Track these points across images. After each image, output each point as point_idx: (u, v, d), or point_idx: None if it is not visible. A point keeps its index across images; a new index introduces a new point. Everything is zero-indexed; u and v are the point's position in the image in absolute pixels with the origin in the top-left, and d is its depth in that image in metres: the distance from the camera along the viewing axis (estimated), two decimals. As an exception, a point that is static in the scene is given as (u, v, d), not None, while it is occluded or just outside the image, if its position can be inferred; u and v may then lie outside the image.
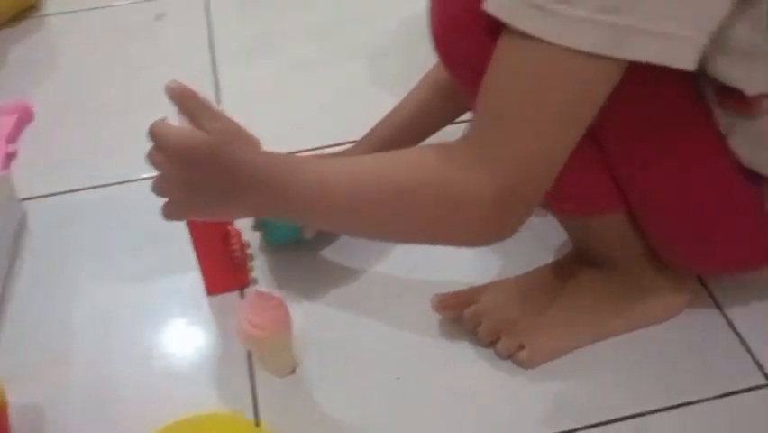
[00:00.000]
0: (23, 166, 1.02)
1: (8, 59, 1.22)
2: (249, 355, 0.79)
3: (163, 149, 0.62)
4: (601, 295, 0.79)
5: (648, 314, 0.80)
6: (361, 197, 0.62)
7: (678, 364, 0.77)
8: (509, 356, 0.78)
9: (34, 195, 0.98)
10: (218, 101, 1.09)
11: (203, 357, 0.81)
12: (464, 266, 0.86)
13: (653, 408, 0.74)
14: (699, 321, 0.81)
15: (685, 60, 0.54)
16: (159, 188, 0.64)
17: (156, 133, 0.62)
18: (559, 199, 0.73)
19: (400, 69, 1.06)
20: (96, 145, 1.06)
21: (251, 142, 0.64)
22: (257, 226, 0.89)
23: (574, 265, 0.82)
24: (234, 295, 0.85)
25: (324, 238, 0.90)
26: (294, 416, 0.75)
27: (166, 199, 0.63)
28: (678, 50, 0.53)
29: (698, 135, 0.66)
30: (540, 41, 0.53)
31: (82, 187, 1.00)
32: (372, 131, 0.91)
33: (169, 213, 0.65)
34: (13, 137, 1.06)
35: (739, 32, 0.57)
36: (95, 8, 1.33)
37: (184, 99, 0.62)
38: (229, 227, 0.84)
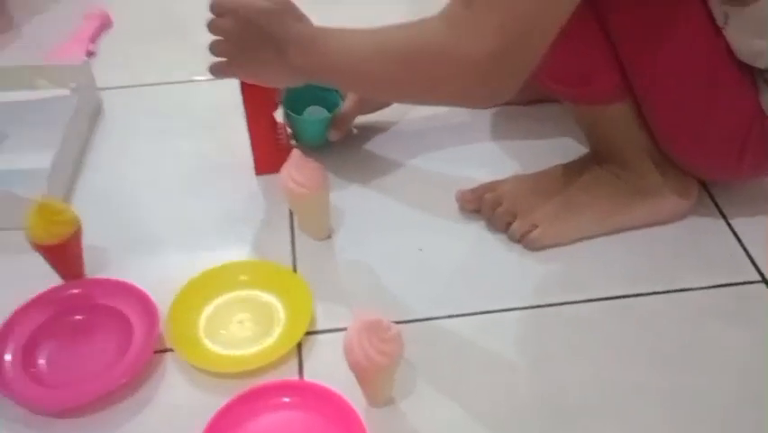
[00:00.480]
0: (101, 62, 1.14)
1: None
2: (291, 220, 0.90)
3: (231, 10, 0.76)
4: (610, 191, 0.87)
5: (652, 213, 0.88)
6: (377, 60, 0.74)
7: (677, 258, 0.86)
8: (521, 237, 0.86)
9: (109, 86, 1.10)
10: None
11: (250, 222, 0.91)
12: (487, 166, 0.95)
13: (646, 291, 0.82)
14: (702, 224, 0.89)
15: None
16: (217, 46, 0.79)
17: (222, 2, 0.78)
18: (567, 84, 0.83)
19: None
20: (165, 51, 1.18)
21: (301, 15, 0.79)
22: (288, 123, 0.98)
23: (588, 164, 0.90)
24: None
25: (349, 139, 0.99)
26: (326, 272, 0.85)
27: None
28: None
29: (694, 24, 0.74)
30: None
31: (150, 83, 1.12)
32: None
33: (220, 70, 0.81)
34: (94, 38, 1.19)
35: None
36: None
37: None
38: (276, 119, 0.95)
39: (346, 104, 0.98)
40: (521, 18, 0.66)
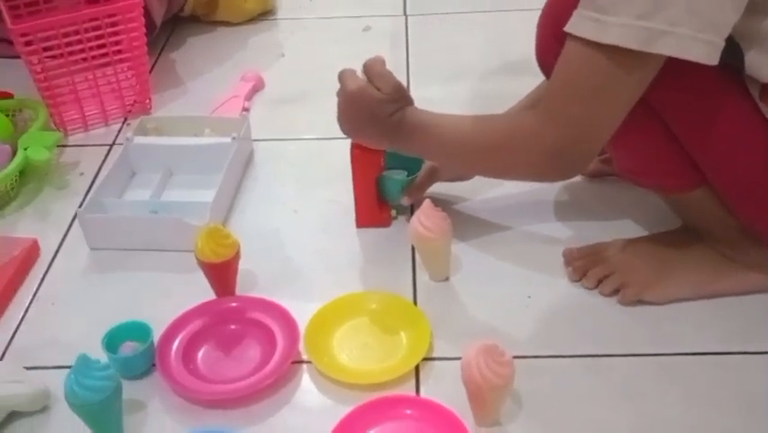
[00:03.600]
0: (255, 117, 1.30)
1: (248, 44, 1.55)
2: (413, 261, 1.01)
3: (349, 92, 0.95)
4: (705, 260, 0.95)
5: (742, 285, 0.94)
6: (465, 147, 0.92)
7: (763, 322, 0.91)
8: (617, 291, 0.94)
9: (260, 138, 1.26)
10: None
11: (380, 260, 1.03)
12: (588, 229, 1.05)
13: (738, 350, 0.88)
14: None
15: (702, 55, 0.72)
16: (338, 111, 0.98)
17: (341, 77, 0.97)
18: (646, 178, 0.95)
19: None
20: (306, 111, 1.34)
21: (408, 100, 0.96)
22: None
23: (683, 234, 0.98)
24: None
25: (479, 209, 1.10)
26: (443, 308, 0.95)
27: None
28: (696, 48, 0.72)
29: (747, 119, 0.82)
30: (594, 42, 0.75)
31: (294, 138, 1.28)
32: None
33: (340, 127, 1.00)
34: (249, 96, 1.36)
35: None
36: (317, 17, 1.64)
37: (374, 64, 0.95)
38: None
39: (421, 173, 1.07)
40: (584, 114, 0.80)
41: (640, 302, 0.94)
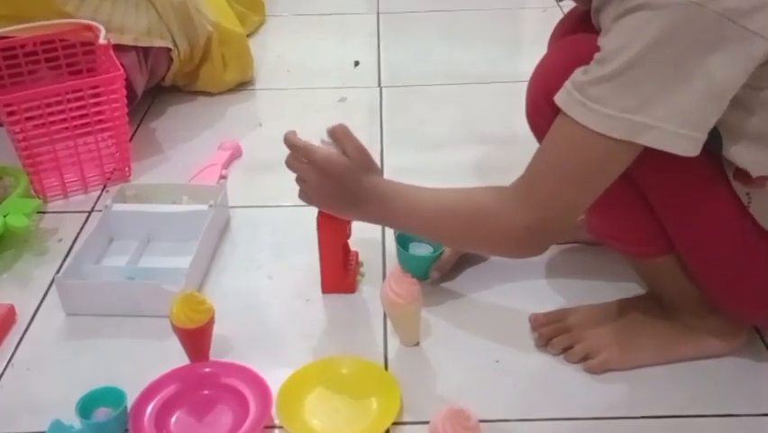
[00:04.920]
0: (232, 184, 1.34)
1: (227, 114, 1.60)
2: (384, 326, 1.04)
3: (312, 162, 0.95)
4: (665, 327, 0.98)
5: (702, 351, 0.97)
6: (435, 220, 0.94)
7: (723, 385, 0.95)
8: (582, 360, 0.97)
9: (237, 205, 1.30)
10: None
11: (352, 325, 1.05)
12: (557, 293, 1.09)
13: (702, 413, 0.91)
14: (751, 360, 0.98)
15: (684, 149, 0.76)
16: (300, 183, 0.99)
17: (305, 150, 0.96)
18: (615, 241, 0.98)
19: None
20: (282, 179, 1.35)
21: (375, 170, 0.97)
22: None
23: (648, 299, 1.03)
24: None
25: (448, 275, 1.13)
26: (413, 372, 0.97)
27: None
28: (677, 142, 0.76)
29: (722, 201, 0.86)
30: (581, 125, 0.78)
31: (270, 204, 1.31)
32: None
33: (302, 198, 1.00)
34: (226, 165, 1.40)
35: (753, 121, 0.80)
36: (294, 88, 1.70)
37: (338, 129, 0.96)
38: (350, 246, 1.10)
39: (447, 250, 1.10)
40: (561, 198, 0.83)
41: (606, 369, 0.97)
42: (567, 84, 0.80)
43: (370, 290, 1.10)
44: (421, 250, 1.12)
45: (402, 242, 1.12)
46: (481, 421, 0.85)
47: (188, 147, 1.48)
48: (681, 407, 0.92)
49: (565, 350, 0.99)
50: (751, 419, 0.91)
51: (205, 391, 0.94)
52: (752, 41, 0.73)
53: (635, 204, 0.91)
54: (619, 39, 0.76)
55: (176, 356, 0.98)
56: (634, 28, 0.75)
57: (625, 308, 1.03)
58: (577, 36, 0.91)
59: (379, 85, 1.70)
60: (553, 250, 1.17)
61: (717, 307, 0.95)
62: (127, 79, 1.33)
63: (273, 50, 1.87)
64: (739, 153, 0.82)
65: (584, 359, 0.97)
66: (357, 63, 1.64)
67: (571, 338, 0.99)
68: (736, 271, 0.90)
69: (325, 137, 0.98)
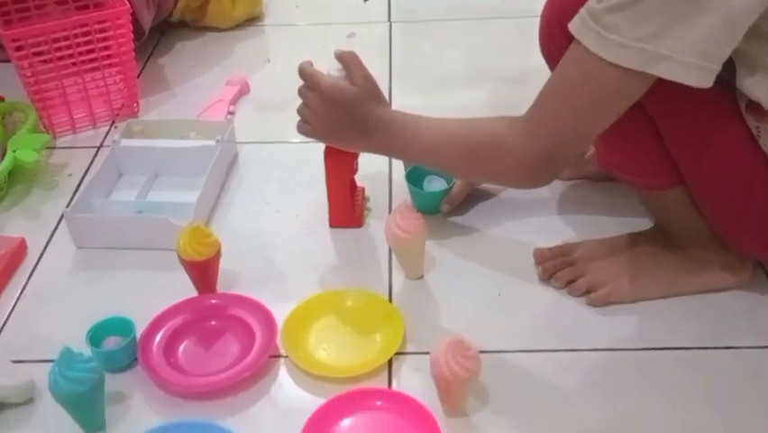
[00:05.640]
0: (239, 121, 1.34)
1: (235, 50, 1.59)
2: (389, 260, 1.05)
3: (317, 90, 0.93)
4: (671, 259, 0.98)
5: (707, 285, 0.97)
6: (444, 148, 0.92)
7: (728, 318, 0.95)
8: (586, 292, 0.97)
9: (245, 141, 1.30)
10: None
11: (357, 259, 1.07)
12: (562, 229, 1.09)
13: (709, 345, 0.92)
14: (757, 290, 0.98)
15: (697, 80, 0.75)
16: (303, 113, 0.96)
17: (312, 77, 0.94)
18: (626, 173, 0.97)
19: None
20: (291, 114, 1.35)
21: (382, 100, 0.95)
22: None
23: (655, 233, 1.02)
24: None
25: (456, 210, 1.13)
26: (416, 305, 0.99)
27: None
28: (691, 73, 0.75)
29: (733, 133, 0.86)
30: (594, 54, 0.77)
31: (277, 141, 1.31)
32: None
33: (304, 131, 0.98)
34: (234, 100, 1.40)
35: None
36: (303, 24, 1.68)
37: (347, 55, 0.94)
38: (356, 182, 1.10)
39: (458, 182, 1.10)
40: (570, 126, 0.82)
41: (609, 301, 0.98)
42: (582, 11, 0.79)
43: (377, 225, 1.11)
44: (437, 184, 1.12)
45: (413, 179, 1.12)
46: (482, 352, 0.86)
47: (196, 83, 1.48)
48: (687, 339, 0.93)
49: (569, 283, 0.99)
50: (756, 351, 0.92)
51: (213, 322, 0.96)
52: None
53: (646, 135, 0.91)
54: None
55: (184, 288, 0.99)
56: None
57: (631, 242, 1.03)
58: None
59: (389, 20, 1.67)
60: (561, 186, 1.17)
61: (724, 241, 0.95)
62: (134, 15, 1.32)
63: (282, -15, 1.84)
64: (754, 85, 0.80)
65: (587, 292, 0.98)
66: (352, 34, 1.61)
67: (575, 271, 0.99)
68: (744, 204, 0.90)
69: (334, 70, 0.97)
